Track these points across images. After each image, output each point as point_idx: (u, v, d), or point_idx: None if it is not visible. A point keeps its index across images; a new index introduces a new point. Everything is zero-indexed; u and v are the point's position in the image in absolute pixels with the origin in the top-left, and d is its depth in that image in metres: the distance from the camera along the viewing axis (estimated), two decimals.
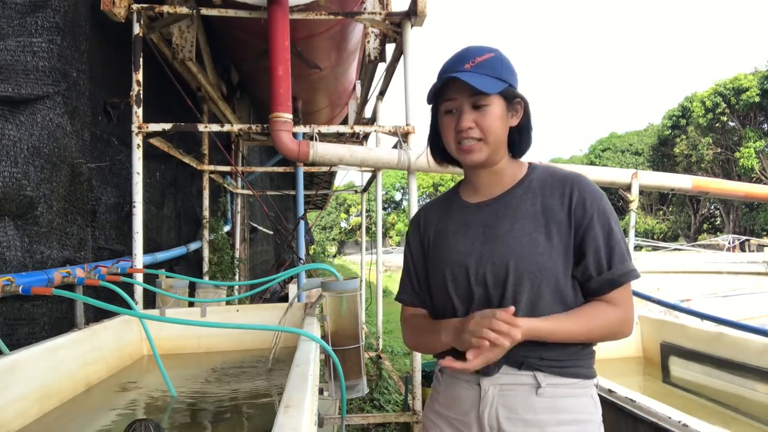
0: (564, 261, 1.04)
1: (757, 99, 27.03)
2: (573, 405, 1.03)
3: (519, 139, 1.13)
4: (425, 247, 1.21)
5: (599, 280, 1.03)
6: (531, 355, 1.03)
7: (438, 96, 1.10)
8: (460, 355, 1.12)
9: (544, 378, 1.03)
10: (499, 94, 1.06)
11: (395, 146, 2.82)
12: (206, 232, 4.06)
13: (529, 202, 1.08)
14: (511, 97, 1.08)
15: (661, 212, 37.43)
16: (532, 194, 1.08)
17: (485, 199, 1.13)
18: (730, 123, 29.14)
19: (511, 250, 1.04)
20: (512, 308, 0.96)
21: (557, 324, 1.00)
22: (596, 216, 1.03)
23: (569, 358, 1.04)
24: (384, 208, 42.32)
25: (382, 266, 5.25)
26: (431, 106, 1.16)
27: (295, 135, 2.64)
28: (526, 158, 1.18)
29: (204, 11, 2.68)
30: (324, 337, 1.58)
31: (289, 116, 2.54)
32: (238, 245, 4.98)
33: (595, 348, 1.11)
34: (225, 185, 4.75)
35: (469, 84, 1.01)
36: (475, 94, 1.04)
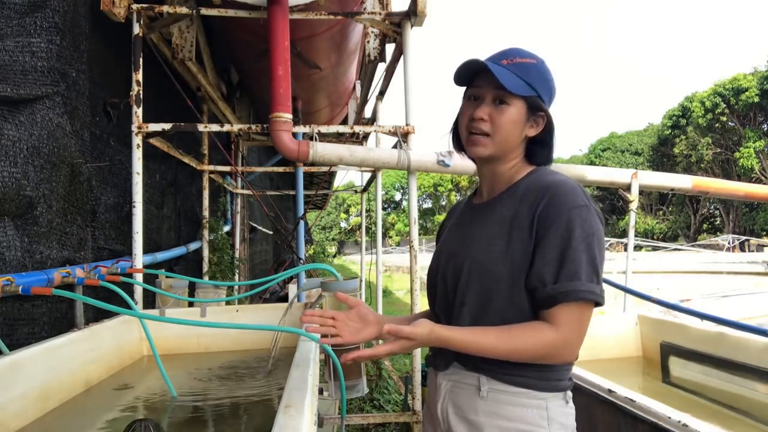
0: (522, 270, 1.00)
1: (756, 99, 27.07)
2: (515, 414, 1.00)
3: (539, 151, 1.11)
4: None
5: (541, 294, 0.98)
6: (476, 356, 1.01)
7: (470, 81, 1.11)
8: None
9: (487, 381, 1.02)
10: (523, 100, 1.05)
11: (395, 146, 2.82)
12: (206, 232, 4.06)
13: (506, 207, 1.06)
14: (536, 108, 1.07)
15: (660, 212, 37.43)
16: (513, 200, 1.06)
17: (484, 201, 1.15)
18: (729, 123, 29.16)
19: (468, 254, 1.06)
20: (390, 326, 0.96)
21: (472, 336, 0.97)
22: (557, 225, 0.97)
23: (516, 367, 1.00)
24: (384, 208, 42.27)
25: (382, 266, 5.25)
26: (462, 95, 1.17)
27: (295, 135, 2.64)
28: None
29: (204, 11, 2.68)
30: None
31: (289, 116, 2.54)
32: (237, 245, 4.98)
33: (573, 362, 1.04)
34: (225, 185, 4.75)
35: (495, 76, 1.01)
36: (499, 89, 1.04)
